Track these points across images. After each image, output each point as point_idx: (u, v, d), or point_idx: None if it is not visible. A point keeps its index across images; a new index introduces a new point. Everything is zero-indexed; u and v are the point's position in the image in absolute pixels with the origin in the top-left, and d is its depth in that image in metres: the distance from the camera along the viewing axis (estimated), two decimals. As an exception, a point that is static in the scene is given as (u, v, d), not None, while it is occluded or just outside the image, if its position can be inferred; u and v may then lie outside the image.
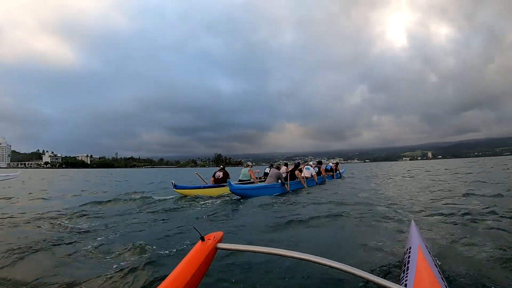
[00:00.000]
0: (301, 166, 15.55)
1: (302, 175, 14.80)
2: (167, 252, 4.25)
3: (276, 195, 11.57)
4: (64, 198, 12.55)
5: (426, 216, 6.43)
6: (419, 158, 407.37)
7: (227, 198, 10.92)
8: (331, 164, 20.61)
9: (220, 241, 2.75)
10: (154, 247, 4.44)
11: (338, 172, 21.07)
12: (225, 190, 11.69)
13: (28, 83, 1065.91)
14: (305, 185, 14.18)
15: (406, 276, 2.37)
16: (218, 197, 11.36)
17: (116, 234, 5.48)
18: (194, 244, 2.65)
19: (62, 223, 6.62)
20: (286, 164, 14.79)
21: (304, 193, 12.11)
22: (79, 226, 6.29)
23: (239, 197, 10.85)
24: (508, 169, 24.57)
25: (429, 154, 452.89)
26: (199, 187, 12.34)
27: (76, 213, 7.83)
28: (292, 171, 14.02)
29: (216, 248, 2.65)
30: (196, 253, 2.49)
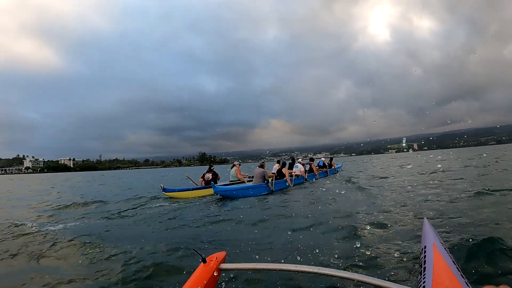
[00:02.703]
0: (298, 162, 15.56)
1: (293, 173, 14.70)
2: (165, 278, 3.67)
3: (263, 194, 11.55)
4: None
5: (437, 212, 6.06)
6: (405, 150, 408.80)
7: (219, 197, 10.92)
8: (323, 159, 19.67)
9: (223, 261, 2.58)
10: (149, 274, 3.84)
11: (333, 168, 20.34)
12: None
13: (9, 88, 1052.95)
14: (291, 184, 13.77)
15: (424, 277, 2.21)
16: (208, 198, 11.34)
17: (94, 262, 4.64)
18: (195, 267, 2.48)
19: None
20: (278, 162, 14.60)
21: (290, 193, 11.88)
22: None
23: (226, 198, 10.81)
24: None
25: (415, 146, 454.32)
26: (189, 189, 12.20)
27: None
28: (280, 169, 13.88)
29: (220, 270, 2.49)
30: (198, 277, 2.35)
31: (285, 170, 13.83)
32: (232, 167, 14.47)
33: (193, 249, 2.66)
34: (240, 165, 14.73)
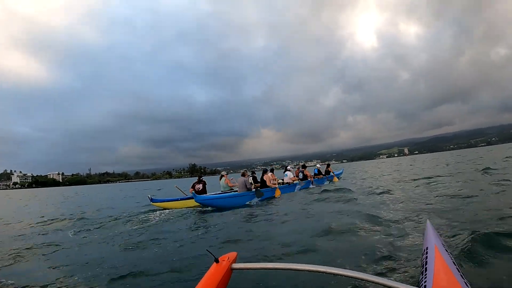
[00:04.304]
0: (288, 170, 15.25)
1: (283, 180, 14.48)
2: (179, 277, 3.96)
3: (248, 203, 11.33)
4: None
5: (440, 213, 6.19)
6: (396, 155, 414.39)
7: (209, 208, 10.74)
8: (318, 166, 19.02)
9: (234, 261, 2.65)
10: (164, 274, 4.12)
11: (332, 174, 19.44)
12: None
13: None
14: (279, 192, 13.23)
15: (425, 278, 2.29)
16: (196, 207, 11.21)
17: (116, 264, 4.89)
18: (207, 266, 2.54)
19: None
20: (272, 170, 14.31)
21: (278, 200, 11.80)
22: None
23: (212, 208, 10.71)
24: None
25: (406, 150, 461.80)
26: (177, 199, 12.05)
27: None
28: (262, 177, 13.46)
29: (232, 269, 2.55)
30: (211, 276, 2.42)
31: (266, 177, 13.39)
32: (221, 178, 14.24)
33: (206, 250, 2.74)
34: (227, 174, 14.63)
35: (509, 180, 9.50)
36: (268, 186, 13.07)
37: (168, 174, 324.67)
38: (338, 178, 19.96)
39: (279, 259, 4.30)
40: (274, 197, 12.79)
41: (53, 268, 4.85)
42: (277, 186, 13.53)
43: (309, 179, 16.53)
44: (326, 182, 18.13)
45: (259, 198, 12.06)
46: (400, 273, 3.38)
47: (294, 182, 15.12)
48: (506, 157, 22.39)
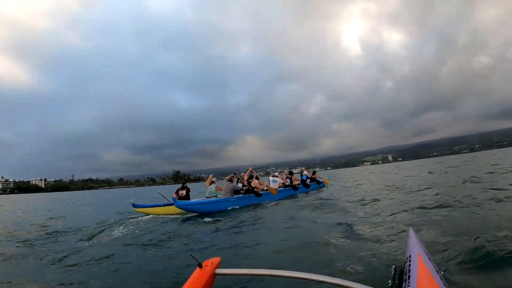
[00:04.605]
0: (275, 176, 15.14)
1: (273, 186, 14.25)
2: (162, 282, 3.94)
3: (232, 209, 11.25)
4: None
5: (423, 221, 6.21)
6: (380, 162, 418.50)
7: (193, 215, 10.62)
8: (305, 173, 19.01)
9: (218, 266, 2.65)
10: (145, 279, 4.14)
11: (320, 179, 19.72)
12: None
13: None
14: (261, 196, 13.15)
15: (408, 285, 2.26)
16: (180, 214, 10.99)
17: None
18: (190, 272, 2.53)
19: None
20: (257, 178, 14.34)
21: (263, 205, 11.76)
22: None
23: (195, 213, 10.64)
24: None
25: (390, 157, 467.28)
26: (160, 205, 11.89)
27: None
28: (249, 182, 13.45)
29: (215, 274, 2.55)
30: (194, 281, 2.41)
31: (254, 183, 13.37)
32: (211, 183, 14.02)
33: (190, 254, 2.72)
34: (216, 181, 14.38)
35: (496, 189, 9.48)
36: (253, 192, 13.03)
37: (152, 181, 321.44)
38: (324, 185, 19.97)
39: (263, 265, 4.22)
40: (261, 202, 12.74)
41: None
42: (267, 188, 13.60)
43: (295, 184, 16.49)
44: (313, 189, 18.06)
45: (246, 203, 12.02)
46: (383, 281, 3.34)
47: (280, 188, 14.96)
48: (492, 164, 22.59)
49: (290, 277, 2.33)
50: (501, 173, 15.08)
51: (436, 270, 2.49)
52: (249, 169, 14.84)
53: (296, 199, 13.00)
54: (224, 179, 12.97)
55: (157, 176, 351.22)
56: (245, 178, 13.62)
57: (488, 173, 15.92)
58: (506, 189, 9.03)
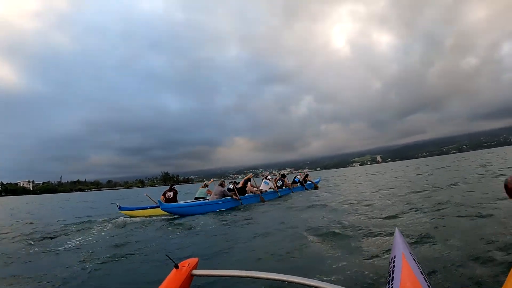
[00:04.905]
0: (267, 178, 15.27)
1: (261, 188, 14.40)
2: (136, 283, 3.95)
3: (218, 212, 11.20)
4: None
5: (409, 222, 6.26)
6: (369, 163, 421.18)
7: (175, 216, 10.61)
8: (298, 176, 19.09)
9: (195, 267, 2.58)
10: (119, 279, 4.15)
11: (311, 182, 19.64)
12: None
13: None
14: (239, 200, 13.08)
15: (391, 286, 2.23)
16: (165, 216, 10.94)
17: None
18: (167, 273, 2.45)
19: None
20: (249, 180, 14.37)
21: (255, 208, 11.62)
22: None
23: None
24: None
25: (379, 158, 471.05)
26: (146, 208, 11.84)
27: None
28: (243, 186, 13.59)
29: (192, 275, 2.50)
30: (170, 282, 2.35)
31: (249, 187, 13.59)
32: (202, 187, 14.31)
33: (166, 255, 2.70)
34: (209, 184, 14.71)
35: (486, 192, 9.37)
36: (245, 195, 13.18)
37: (141, 183, 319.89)
38: (316, 186, 19.99)
39: (242, 267, 4.20)
40: (259, 201, 13.10)
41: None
42: (259, 192, 13.71)
43: (288, 187, 16.60)
44: (304, 191, 18.02)
45: (234, 205, 12.13)
46: (367, 282, 3.37)
47: (271, 190, 15.01)
48: (482, 165, 22.65)
49: (269, 279, 2.30)
50: (489, 174, 15.33)
51: (421, 271, 2.47)
52: (249, 175, 14.76)
53: (285, 201, 12.98)
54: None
55: (146, 178, 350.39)
56: (241, 183, 13.66)
57: (478, 174, 16.04)
58: (494, 191, 9.02)
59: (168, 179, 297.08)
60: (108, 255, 5.53)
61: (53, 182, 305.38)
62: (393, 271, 2.48)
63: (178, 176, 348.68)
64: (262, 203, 12.90)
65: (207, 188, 13.92)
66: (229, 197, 12.27)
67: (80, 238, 7.65)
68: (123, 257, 5.40)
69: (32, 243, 7.45)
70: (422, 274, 2.41)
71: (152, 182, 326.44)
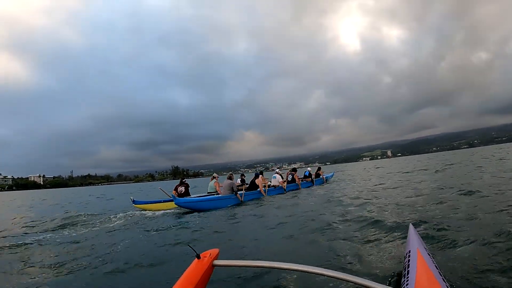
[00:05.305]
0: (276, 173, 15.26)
1: (271, 183, 14.43)
2: (161, 272, 4.09)
3: (231, 206, 11.26)
4: None
5: (423, 217, 6.15)
6: (379, 157, 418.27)
7: (189, 211, 10.61)
8: (309, 169, 18.83)
9: (216, 258, 2.67)
10: (146, 269, 4.25)
11: (322, 177, 19.33)
12: None
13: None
14: (265, 194, 13.42)
15: (407, 280, 2.30)
16: (179, 209, 11.00)
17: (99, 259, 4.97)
18: (189, 263, 2.55)
19: None
20: (261, 173, 14.52)
21: (264, 202, 11.58)
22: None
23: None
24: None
25: (389, 153, 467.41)
26: (160, 201, 11.97)
27: None
28: (253, 180, 13.66)
29: (213, 266, 2.58)
30: (192, 272, 2.43)
31: (258, 181, 13.54)
32: (212, 179, 14.23)
33: (188, 245, 2.80)
34: (218, 177, 14.54)
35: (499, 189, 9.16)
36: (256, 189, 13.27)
37: (151, 177, 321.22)
38: (328, 181, 19.84)
39: (261, 258, 4.22)
40: (260, 199, 12.84)
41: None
42: (265, 189, 13.69)
43: (297, 182, 16.38)
44: (316, 185, 17.88)
45: (245, 200, 12.13)
46: (382, 276, 3.40)
47: (281, 185, 14.98)
48: (498, 159, 22.28)
49: (288, 269, 2.35)
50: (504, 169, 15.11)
51: (436, 266, 2.51)
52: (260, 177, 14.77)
53: (296, 195, 13.00)
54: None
55: (156, 172, 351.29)
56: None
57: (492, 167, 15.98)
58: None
59: (178, 173, 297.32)
60: (128, 245, 5.72)
61: (63, 176, 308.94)
62: (409, 265, 2.53)
63: (188, 170, 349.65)
64: (273, 197, 12.90)
65: (215, 180, 13.87)
66: (241, 192, 12.34)
67: (99, 229, 7.89)
68: (142, 247, 5.59)
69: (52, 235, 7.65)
70: (438, 269, 2.45)
71: (162, 176, 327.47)
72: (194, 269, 2.45)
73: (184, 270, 2.46)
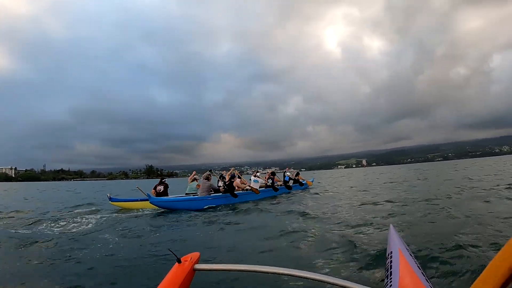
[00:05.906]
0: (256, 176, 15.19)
1: (253, 186, 14.25)
2: (140, 277, 3.93)
3: (209, 207, 11.24)
4: None
5: (402, 220, 6.52)
6: (354, 166, 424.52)
7: (167, 211, 10.55)
8: (288, 174, 18.37)
9: (197, 262, 2.60)
10: (123, 275, 4.05)
11: (303, 181, 19.42)
12: None
13: None
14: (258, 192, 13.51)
15: (390, 281, 2.29)
16: (156, 209, 10.91)
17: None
18: (169, 267, 2.46)
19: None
20: (239, 176, 14.49)
21: (243, 205, 11.54)
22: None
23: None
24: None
25: (364, 162, 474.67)
26: (136, 200, 11.86)
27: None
28: (230, 182, 13.13)
29: (194, 270, 2.51)
30: (173, 277, 2.36)
31: (235, 183, 13.32)
32: (192, 181, 14.02)
33: (168, 249, 2.71)
34: (198, 179, 14.21)
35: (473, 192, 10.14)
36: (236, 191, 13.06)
37: (125, 175, 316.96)
38: (307, 186, 19.96)
39: (242, 262, 4.26)
40: (253, 199, 13.08)
41: None
42: (249, 188, 13.76)
43: (277, 186, 16.31)
44: (295, 190, 17.85)
45: (236, 200, 12.25)
46: (364, 278, 3.45)
47: (261, 188, 14.89)
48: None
49: (270, 273, 2.30)
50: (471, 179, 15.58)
51: (418, 266, 2.53)
52: (232, 170, 14.74)
53: (276, 200, 13.02)
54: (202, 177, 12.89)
55: (130, 170, 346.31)
56: (227, 178, 13.57)
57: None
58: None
59: (152, 172, 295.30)
60: (106, 249, 5.49)
61: (36, 170, 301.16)
62: (391, 266, 2.55)
63: (163, 170, 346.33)
64: (250, 201, 12.88)
65: (196, 183, 13.63)
66: (219, 193, 12.28)
67: (74, 229, 7.52)
68: (121, 250, 5.36)
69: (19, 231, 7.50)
70: (420, 269, 2.47)
71: (136, 174, 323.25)
72: (175, 274, 2.39)
73: (165, 275, 2.40)
